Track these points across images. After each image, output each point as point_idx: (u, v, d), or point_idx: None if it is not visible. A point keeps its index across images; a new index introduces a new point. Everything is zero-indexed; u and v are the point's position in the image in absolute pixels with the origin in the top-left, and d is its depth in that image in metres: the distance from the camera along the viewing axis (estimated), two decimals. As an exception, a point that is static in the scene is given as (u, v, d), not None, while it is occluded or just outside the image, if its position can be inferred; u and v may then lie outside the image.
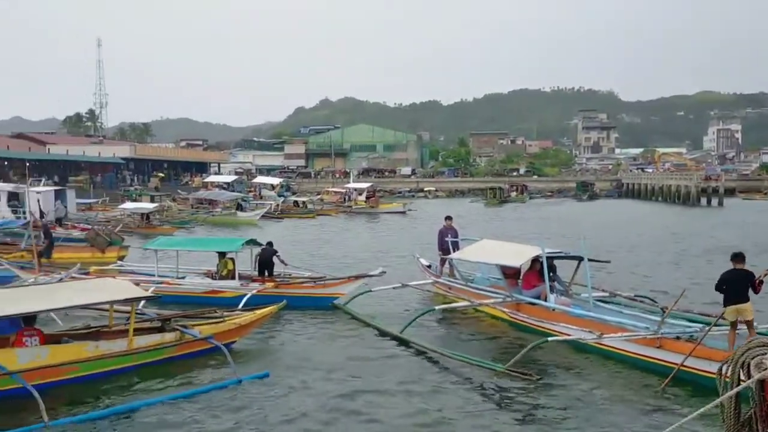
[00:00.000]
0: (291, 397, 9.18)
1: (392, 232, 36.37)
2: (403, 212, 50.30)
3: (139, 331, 10.44)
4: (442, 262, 16.81)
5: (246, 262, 16.28)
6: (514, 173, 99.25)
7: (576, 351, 11.20)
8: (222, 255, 16.08)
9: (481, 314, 14.03)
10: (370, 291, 15.14)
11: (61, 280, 14.59)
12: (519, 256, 13.63)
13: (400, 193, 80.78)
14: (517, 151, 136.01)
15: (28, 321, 9.61)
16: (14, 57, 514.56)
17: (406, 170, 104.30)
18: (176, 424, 8.24)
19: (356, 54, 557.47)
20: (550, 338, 10.90)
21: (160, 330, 10.78)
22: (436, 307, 13.69)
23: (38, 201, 32.49)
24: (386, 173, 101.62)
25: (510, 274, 13.85)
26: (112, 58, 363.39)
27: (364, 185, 61.00)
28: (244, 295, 14.34)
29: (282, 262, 16.56)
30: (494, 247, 14.95)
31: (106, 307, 11.04)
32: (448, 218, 17.82)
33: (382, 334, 12.59)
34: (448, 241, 16.67)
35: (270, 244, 16.73)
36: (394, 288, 15.37)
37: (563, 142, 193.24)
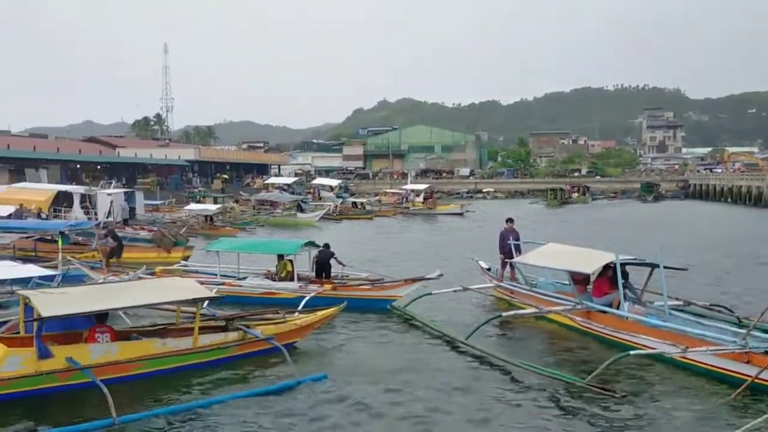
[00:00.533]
0: (348, 400, 9.19)
1: (450, 233, 36.16)
2: (461, 213, 49.97)
3: (203, 330, 10.70)
4: (504, 265, 16.45)
5: (305, 263, 16.46)
6: (576, 174, 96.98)
7: (654, 363, 10.53)
8: (281, 257, 16.37)
9: (544, 321, 13.51)
10: (430, 294, 14.81)
11: (129, 279, 15.11)
12: (591, 262, 13.02)
13: (458, 194, 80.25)
14: (579, 151, 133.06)
15: (100, 318, 9.99)
16: (86, 64, 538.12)
17: (465, 171, 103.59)
18: (236, 423, 8.40)
19: (415, 55, 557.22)
20: (632, 352, 10.05)
21: (223, 329, 11.03)
22: (504, 314, 12.98)
23: (111, 203, 33.85)
24: (444, 174, 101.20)
25: (579, 280, 13.29)
26: (178, 63, 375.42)
27: (422, 186, 60.91)
28: (303, 296, 14.54)
29: (339, 263, 16.73)
30: (563, 252, 14.30)
31: (173, 306, 11.36)
32: (510, 220, 17.36)
33: (446, 340, 12.27)
34: (510, 243, 16.17)
35: (327, 245, 16.93)
36: (454, 291, 15.09)
37: (627, 141, 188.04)
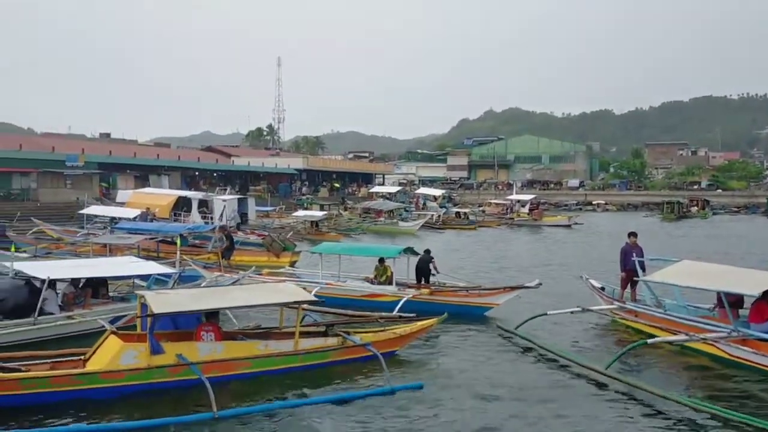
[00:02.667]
0: (442, 412, 9.04)
1: (556, 246, 35.01)
2: (569, 225, 48.43)
3: (304, 334, 10.91)
4: (625, 284, 14.97)
5: (403, 270, 16.56)
6: (695, 187, 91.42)
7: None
8: (381, 261, 16.66)
9: (676, 348, 11.97)
10: (545, 314, 13.65)
11: (239, 281, 15.76)
12: (756, 282, 11.29)
13: (566, 205, 77.99)
14: (699, 163, 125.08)
15: (208, 317, 10.42)
16: (204, 77, 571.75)
17: (574, 182, 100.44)
18: (328, 425, 8.50)
19: (522, 64, 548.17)
20: None
21: (324, 334, 11.20)
22: (649, 340, 11.27)
23: (224, 208, 35.57)
24: (552, 185, 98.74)
25: (732, 302, 11.64)
26: (290, 75, 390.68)
27: (528, 197, 59.72)
28: (399, 299, 14.60)
29: (434, 268, 16.76)
30: (710, 271, 12.64)
31: (277, 308, 11.68)
32: (633, 235, 15.57)
33: (562, 363, 11.15)
34: (634, 260, 14.52)
35: (427, 251, 17.13)
36: (572, 312, 13.90)
37: (753, 153, 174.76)
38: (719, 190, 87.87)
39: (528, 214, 52.97)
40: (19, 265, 12.66)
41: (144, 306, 9.98)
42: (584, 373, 10.62)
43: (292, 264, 22.91)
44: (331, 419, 8.67)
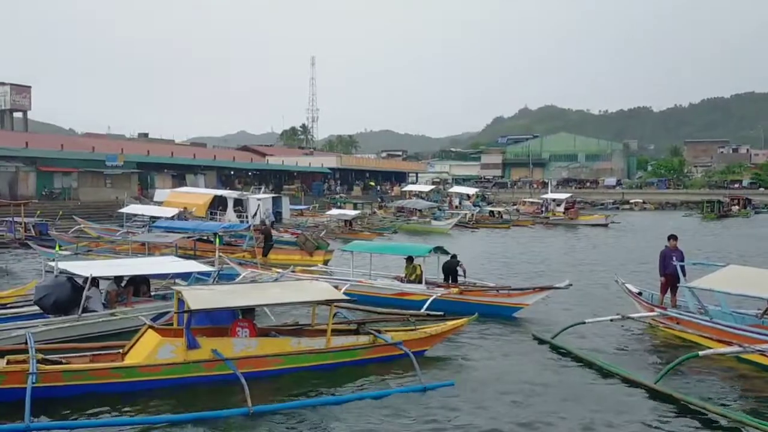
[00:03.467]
0: (473, 411, 9.02)
1: (592, 246, 34.49)
2: (605, 225, 47.67)
3: (336, 332, 11.03)
4: (664, 289, 14.32)
5: (433, 270, 16.59)
6: (736, 185, 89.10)
7: None
8: (410, 260, 16.72)
9: (726, 358, 11.08)
10: (584, 323, 12.92)
11: (276, 279, 15.97)
12: None
13: (602, 204, 76.77)
14: (740, 161, 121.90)
15: (244, 313, 10.60)
16: (241, 80, 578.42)
17: (610, 181, 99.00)
18: (362, 422, 8.57)
19: (558, 61, 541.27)
20: None
21: (355, 332, 11.29)
22: (701, 353, 10.29)
23: (258, 207, 36.00)
24: (588, 184, 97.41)
25: None
26: (323, 75, 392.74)
27: (563, 196, 58.98)
28: (427, 298, 14.70)
29: (463, 272, 16.78)
30: (759, 277, 11.95)
31: (307, 306, 11.81)
32: (673, 237, 14.79)
33: (625, 380, 10.21)
34: (674, 265, 13.74)
35: (454, 256, 17.11)
36: (611, 320, 13.12)
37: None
38: (762, 189, 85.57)
39: (563, 213, 52.31)
40: (63, 264, 13.02)
41: (181, 302, 10.19)
42: (629, 385, 10.00)
43: (326, 262, 23.09)
44: (363, 415, 8.75)
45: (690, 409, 8.91)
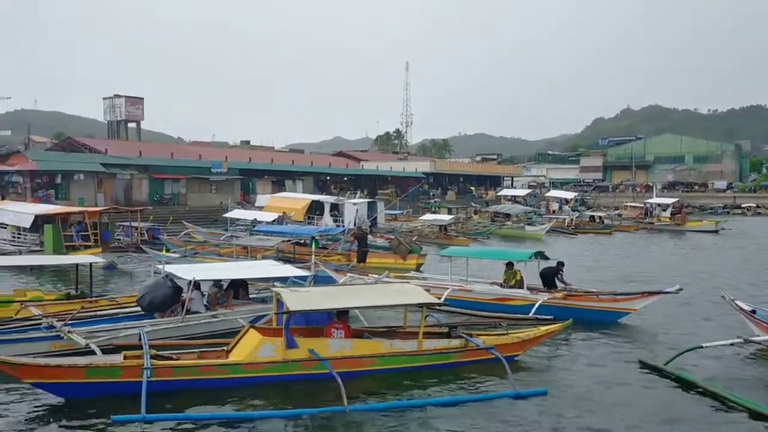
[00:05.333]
0: (566, 421, 8.84)
1: (702, 254, 32.62)
2: (716, 231, 45.00)
3: (428, 335, 11.14)
4: None
5: (530, 275, 16.32)
6: None
7: None
8: (510, 265, 16.54)
9: None
10: (701, 347, 11.54)
11: (369, 283, 16.29)
12: None
13: (711, 209, 72.50)
14: None
15: (339, 315, 10.93)
16: (336, 86, 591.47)
17: (721, 184, 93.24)
18: (452, 425, 8.61)
19: (663, 59, 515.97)
20: None
21: (446, 336, 11.36)
22: None
23: (356, 211, 36.73)
24: (696, 187, 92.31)
25: None
26: (418, 80, 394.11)
27: (669, 200, 56.39)
28: (533, 303, 14.56)
29: (561, 281, 16.42)
30: None
31: (402, 309, 12.00)
32: None
33: (755, 414, 8.96)
34: None
35: (561, 263, 16.83)
36: (731, 344, 11.72)
37: None
38: None
39: (670, 218, 49.99)
40: (169, 267, 13.87)
41: (280, 303, 10.63)
42: (756, 418, 8.90)
43: (419, 267, 23.25)
44: (454, 419, 8.80)
45: None
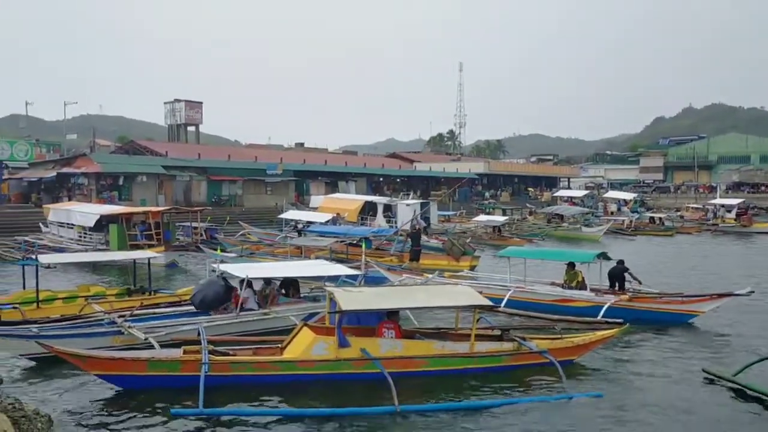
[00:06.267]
0: (621, 426, 8.64)
1: (768, 256, 31.24)
2: (784, 233, 42.99)
3: (480, 338, 11.05)
4: None
5: (595, 276, 16.01)
6: None
7: None
8: (572, 266, 16.28)
9: None
10: None
11: (423, 284, 16.27)
12: None
13: (779, 210, 69.25)
14: None
15: (390, 315, 10.95)
16: (388, 86, 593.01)
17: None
18: (505, 428, 8.54)
19: (725, 56, 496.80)
20: None
21: (499, 338, 11.26)
22: None
23: (415, 212, 36.74)
24: (763, 188, 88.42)
25: None
26: (471, 80, 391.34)
27: (734, 201, 54.25)
28: (597, 305, 14.41)
29: (635, 279, 16.11)
30: None
31: (452, 310, 11.95)
32: None
33: None
34: None
35: (621, 262, 16.51)
36: None
37: None
38: None
39: (735, 219, 48.12)
40: (224, 266, 14.22)
41: (333, 302, 10.74)
42: None
43: (472, 268, 23.07)
44: (507, 421, 8.71)
45: None
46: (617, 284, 16.09)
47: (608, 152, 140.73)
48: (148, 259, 16.39)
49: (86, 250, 26.08)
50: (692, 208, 58.16)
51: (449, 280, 17.29)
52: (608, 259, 16.39)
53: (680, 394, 9.93)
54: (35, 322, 12.08)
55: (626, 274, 16.07)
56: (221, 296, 13.10)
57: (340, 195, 47.61)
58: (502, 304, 14.84)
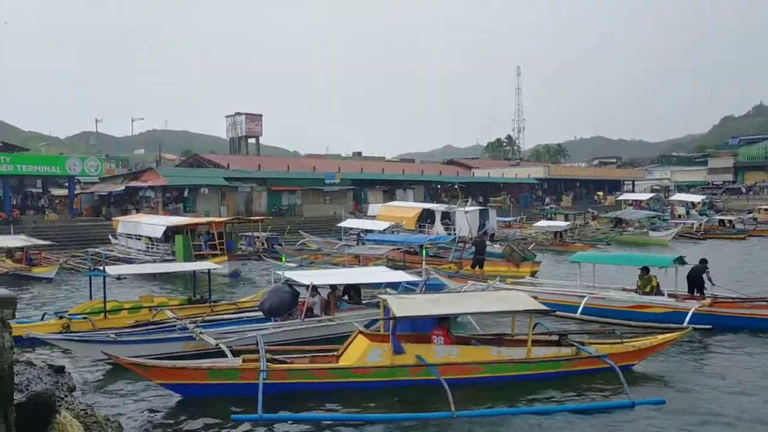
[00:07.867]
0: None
1: None
2: None
3: (537, 343, 10.89)
4: None
5: (671, 281, 15.52)
6: None
7: None
8: (645, 271, 15.93)
9: None
10: None
11: (483, 290, 16.13)
12: None
13: None
14: None
15: (441, 321, 10.90)
16: (445, 93, 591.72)
17: None
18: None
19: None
20: None
21: (556, 344, 11.05)
22: None
23: (466, 219, 36.49)
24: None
25: None
26: (530, 84, 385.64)
27: (812, 202, 51.39)
28: (678, 311, 14.07)
29: (709, 279, 15.63)
30: None
31: (507, 316, 11.81)
32: None
33: None
34: None
35: (703, 260, 16.13)
36: None
37: None
38: None
39: (812, 221, 45.71)
40: (288, 273, 14.55)
41: (387, 309, 10.79)
42: None
43: (533, 274, 22.71)
44: (567, 429, 8.54)
45: None
46: (695, 288, 15.53)
47: (674, 154, 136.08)
48: (209, 269, 16.88)
49: (153, 261, 27.03)
50: (765, 210, 55.53)
51: (510, 286, 17.06)
52: (684, 263, 15.85)
53: (752, 406, 9.44)
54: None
55: (703, 275, 15.56)
56: (288, 302, 13.39)
57: (398, 203, 47.68)
58: (578, 312, 14.62)
